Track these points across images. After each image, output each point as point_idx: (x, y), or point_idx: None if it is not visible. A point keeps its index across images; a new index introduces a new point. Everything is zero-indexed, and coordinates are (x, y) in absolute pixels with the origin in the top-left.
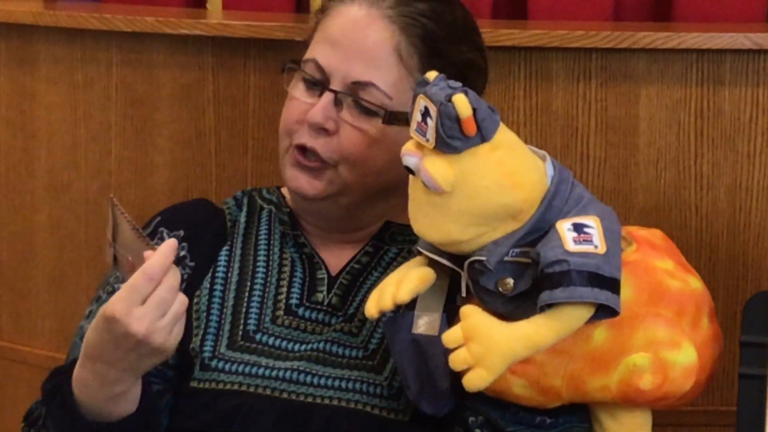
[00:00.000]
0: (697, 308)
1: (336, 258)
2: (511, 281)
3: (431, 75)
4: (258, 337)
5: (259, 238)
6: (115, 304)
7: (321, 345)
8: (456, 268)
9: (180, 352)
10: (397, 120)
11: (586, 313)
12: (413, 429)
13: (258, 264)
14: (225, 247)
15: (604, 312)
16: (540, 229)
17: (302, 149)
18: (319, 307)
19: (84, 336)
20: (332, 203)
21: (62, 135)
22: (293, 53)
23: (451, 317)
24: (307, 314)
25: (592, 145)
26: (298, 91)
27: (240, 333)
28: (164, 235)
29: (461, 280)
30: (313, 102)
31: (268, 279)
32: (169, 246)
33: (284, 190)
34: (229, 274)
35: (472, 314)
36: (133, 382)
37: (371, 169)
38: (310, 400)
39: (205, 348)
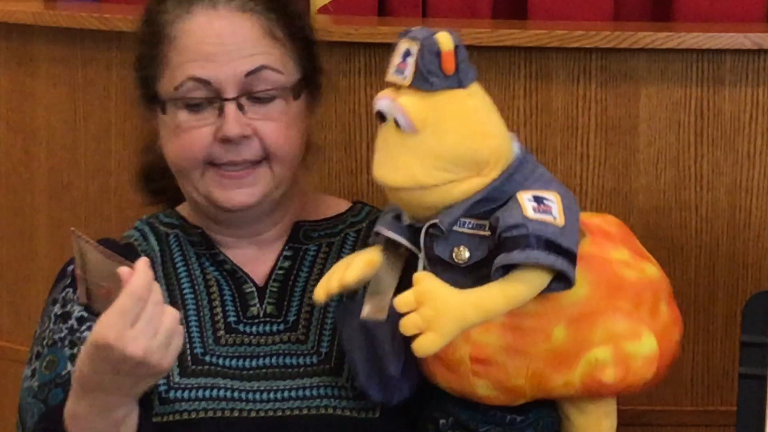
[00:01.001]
0: (654, 296)
1: (258, 267)
2: (465, 251)
3: (415, 28)
4: (208, 359)
5: (176, 263)
6: (107, 331)
7: (273, 360)
8: (412, 247)
9: None
10: (302, 87)
11: (540, 280)
12: (385, 425)
13: (184, 290)
14: None
15: (558, 283)
16: (495, 199)
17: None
18: (257, 320)
19: (36, 395)
20: (266, 203)
21: (62, 135)
22: None
23: None
24: (248, 329)
25: (592, 145)
26: (183, 119)
27: (189, 359)
28: None
29: (418, 261)
30: (209, 122)
31: (199, 302)
32: (145, 263)
33: (182, 211)
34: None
35: (424, 279)
36: (133, 405)
37: (294, 152)
38: (280, 413)
39: (159, 382)
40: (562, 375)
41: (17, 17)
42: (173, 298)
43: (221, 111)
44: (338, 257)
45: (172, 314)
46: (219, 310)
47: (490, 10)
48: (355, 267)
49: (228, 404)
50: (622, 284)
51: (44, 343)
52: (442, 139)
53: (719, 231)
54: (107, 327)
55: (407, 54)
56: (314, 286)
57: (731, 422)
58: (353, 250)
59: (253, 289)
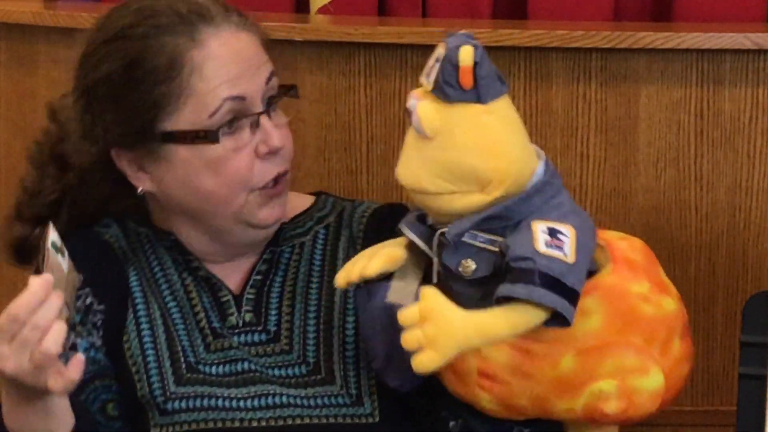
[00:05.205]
0: (668, 332)
1: (234, 273)
2: (472, 264)
3: (462, 32)
4: (201, 368)
5: (153, 267)
6: None
7: (264, 370)
8: (428, 251)
9: (127, 402)
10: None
11: (540, 316)
12: (385, 429)
13: (165, 296)
14: (132, 278)
15: (557, 320)
16: (508, 218)
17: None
18: (237, 329)
19: None
20: None
21: None
22: (292, 52)
23: None
24: (231, 338)
25: (592, 145)
26: (226, 144)
27: (183, 366)
28: None
29: (433, 265)
30: (245, 141)
31: (183, 309)
32: (42, 281)
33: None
34: (151, 310)
35: (430, 296)
36: (47, 406)
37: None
38: (281, 423)
39: (155, 392)
40: (565, 401)
41: (17, 17)
42: (160, 302)
43: (254, 127)
44: (311, 259)
45: (53, 340)
46: (202, 317)
47: (490, 10)
48: (377, 260)
49: (228, 414)
50: (638, 319)
51: None
52: (446, 151)
53: (719, 231)
54: None
55: (437, 59)
56: (290, 291)
57: (731, 422)
58: (324, 248)
59: (229, 297)
